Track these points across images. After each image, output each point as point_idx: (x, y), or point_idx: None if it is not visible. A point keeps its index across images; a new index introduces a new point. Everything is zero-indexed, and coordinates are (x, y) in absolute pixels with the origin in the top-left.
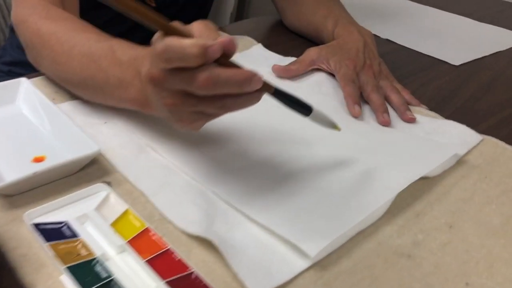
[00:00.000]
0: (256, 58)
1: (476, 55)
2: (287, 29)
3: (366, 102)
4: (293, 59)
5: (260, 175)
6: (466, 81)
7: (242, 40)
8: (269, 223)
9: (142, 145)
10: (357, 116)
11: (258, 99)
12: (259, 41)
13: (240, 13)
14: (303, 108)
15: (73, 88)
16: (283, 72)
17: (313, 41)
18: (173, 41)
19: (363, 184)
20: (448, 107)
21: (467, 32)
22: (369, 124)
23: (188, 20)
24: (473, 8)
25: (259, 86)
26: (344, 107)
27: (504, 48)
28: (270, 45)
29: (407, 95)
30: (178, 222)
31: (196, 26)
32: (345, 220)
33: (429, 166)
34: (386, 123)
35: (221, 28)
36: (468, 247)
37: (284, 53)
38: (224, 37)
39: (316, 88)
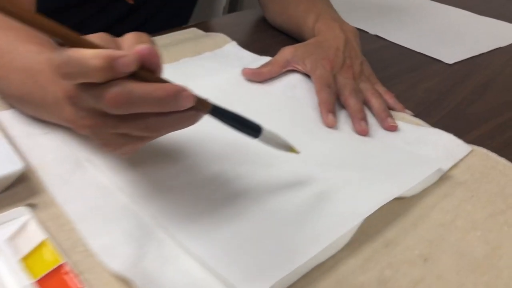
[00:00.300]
0: (227, 58)
1: (472, 52)
2: (271, 25)
3: (344, 107)
4: (268, 58)
5: (207, 198)
6: (459, 82)
7: (216, 38)
8: (207, 256)
9: (81, 160)
10: (331, 126)
11: (193, 119)
12: (238, 37)
13: (233, 7)
14: (250, 129)
15: (14, 103)
16: (253, 76)
17: (295, 38)
18: (73, 53)
19: (324, 208)
20: (437, 111)
21: (464, 27)
22: (344, 133)
23: (168, 18)
24: (474, 2)
25: (189, 103)
26: (318, 116)
27: (504, 44)
28: (249, 42)
29: (390, 99)
30: (102, 256)
31: (127, 38)
32: (298, 254)
33: (406, 184)
34: (363, 132)
35: (200, 24)
36: (444, 285)
37: (264, 51)
38: (144, 47)
39: (289, 92)
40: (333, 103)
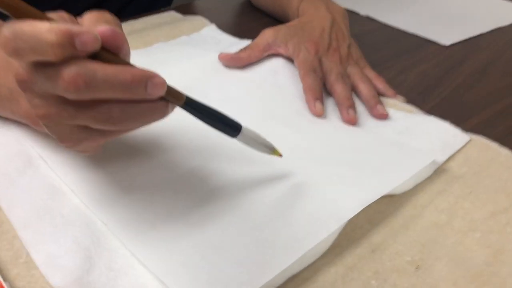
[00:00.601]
0: (204, 42)
1: (470, 32)
2: (255, 7)
3: (330, 94)
4: (249, 42)
5: (170, 201)
6: (456, 65)
7: (194, 21)
8: (162, 273)
9: (34, 157)
10: (318, 115)
11: (163, 112)
12: (220, 20)
13: None
14: (228, 127)
15: None
16: (231, 61)
17: (280, 20)
18: (25, 26)
19: (302, 209)
20: (432, 97)
21: (462, 6)
22: (330, 123)
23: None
24: None
25: (159, 92)
26: (303, 102)
27: (505, 24)
28: (231, 25)
29: (380, 84)
30: (44, 268)
31: (87, 18)
32: (270, 264)
33: (396, 180)
34: (351, 121)
35: (180, 6)
36: None
37: (246, 34)
38: (106, 27)
39: (270, 79)
40: (319, 89)
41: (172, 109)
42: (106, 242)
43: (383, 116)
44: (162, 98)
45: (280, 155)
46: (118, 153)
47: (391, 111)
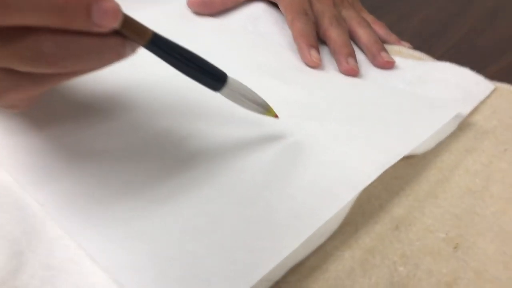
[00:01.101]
0: None
1: None
2: None
3: (324, 42)
4: None
5: (131, 173)
6: (462, 9)
7: None
8: (119, 268)
9: None
10: (315, 66)
11: (117, 52)
12: None
13: None
14: (209, 76)
15: None
16: (202, 7)
17: None
18: None
19: (303, 180)
20: (439, 45)
21: None
22: (328, 74)
23: None
24: None
25: (110, 22)
26: (293, 52)
27: None
28: None
29: (381, 30)
30: None
31: None
32: (267, 251)
33: (416, 138)
34: (352, 72)
35: None
36: (490, 286)
37: None
38: None
39: (250, 26)
40: (313, 35)
41: (133, 49)
42: (43, 231)
43: (389, 65)
44: (117, 33)
45: (276, 116)
46: (61, 110)
47: (397, 59)
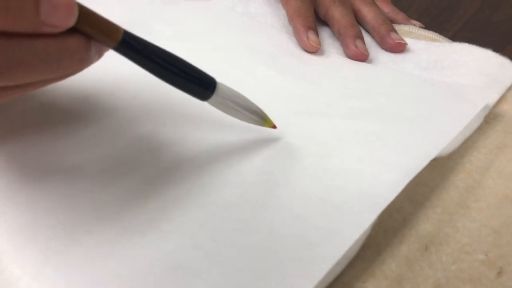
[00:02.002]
0: None
1: None
2: None
3: (325, 23)
4: None
5: (103, 193)
6: None
7: None
8: None
9: None
10: (313, 50)
11: (80, 58)
12: None
13: None
14: (194, 84)
15: None
16: None
17: None
18: None
19: (310, 201)
20: (451, 23)
21: None
22: (329, 60)
23: None
24: None
25: (64, 20)
26: (289, 35)
27: None
28: None
29: (387, 7)
30: None
31: None
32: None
33: (442, 138)
34: (361, 56)
35: None
36: None
37: None
38: None
39: (239, 7)
40: (311, 16)
41: (99, 53)
42: None
43: (400, 47)
44: (78, 33)
45: (274, 127)
46: (18, 118)
47: (408, 41)
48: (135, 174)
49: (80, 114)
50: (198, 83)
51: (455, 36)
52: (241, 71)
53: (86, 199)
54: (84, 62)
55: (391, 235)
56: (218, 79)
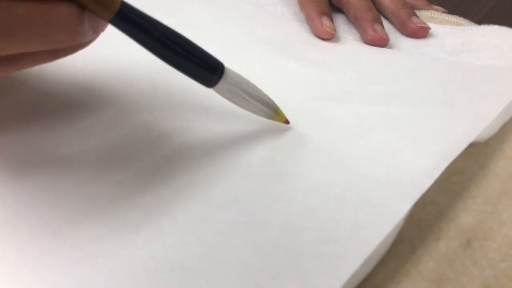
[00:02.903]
0: None
1: None
2: None
3: (340, 11)
4: None
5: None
6: None
7: None
8: None
9: None
10: (328, 37)
11: (71, 28)
12: None
13: None
14: (199, 66)
15: None
16: None
17: None
18: None
19: (334, 191)
20: (475, 9)
21: None
22: (345, 46)
23: None
24: None
25: None
26: (301, 23)
27: None
28: None
29: None
30: None
31: None
32: None
33: (479, 121)
34: (380, 41)
35: None
36: None
37: None
38: None
39: None
40: (324, 1)
41: (94, 30)
42: None
43: (423, 32)
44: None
45: (287, 122)
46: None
47: (432, 26)
48: (130, 166)
49: (74, 104)
50: (204, 66)
51: (480, 23)
52: (250, 59)
53: (74, 194)
54: (76, 35)
55: (426, 230)
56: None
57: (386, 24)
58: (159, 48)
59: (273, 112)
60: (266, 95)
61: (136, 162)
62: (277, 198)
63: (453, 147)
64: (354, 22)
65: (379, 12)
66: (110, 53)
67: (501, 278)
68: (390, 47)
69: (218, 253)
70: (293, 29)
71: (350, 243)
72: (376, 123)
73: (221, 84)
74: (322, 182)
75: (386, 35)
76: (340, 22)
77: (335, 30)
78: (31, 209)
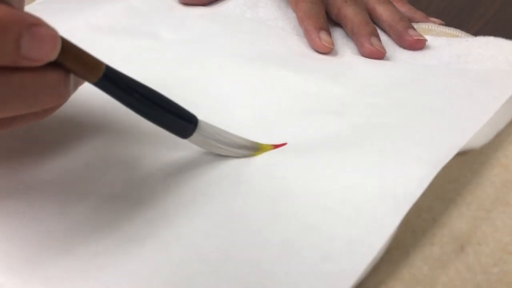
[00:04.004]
0: None
1: None
2: None
3: (338, 25)
4: None
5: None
6: None
7: None
8: None
9: None
10: (326, 50)
11: (57, 92)
12: None
13: None
14: (176, 120)
15: None
16: None
17: None
18: None
19: (328, 204)
20: (471, 22)
21: None
22: (344, 59)
23: None
24: None
25: (47, 54)
26: (299, 39)
27: None
28: None
29: (403, 7)
30: None
31: None
32: None
33: (469, 127)
34: (377, 54)
35: None
36: None
37: None
38: None
39: (248, 13)
40: (322, 16)
41: (75, 86)
42: None
43: (420, 44)
44: (56, 65)
45: (278, 146)
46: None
47: (429, 38)
48: (134, 179)
49: (79, 120)
50: (180, 121)
51: (477, 35)
52: (250, 72)
53: (80, 206)
54: (63, 97)
55: (421, 236)
56: (228, 81)
57: (383, 36)
58: (139, 107)
59: (253, 150)
60: (242, 139)
61: (141, 175)
62: (277, 215)
63: (445, 153)
64: (352, 36)
65: (377, 25)
66: None
67: (493, 282)
68: (388, 59)
69: (219, 271)
70: (293, 43)
71: (345, 261)
72: (370, 135)
73: (195, 135)
74: (318, 196)
75: (383, 48)
76: (339, 36)
77: (333, 44)
78: (40, 222)
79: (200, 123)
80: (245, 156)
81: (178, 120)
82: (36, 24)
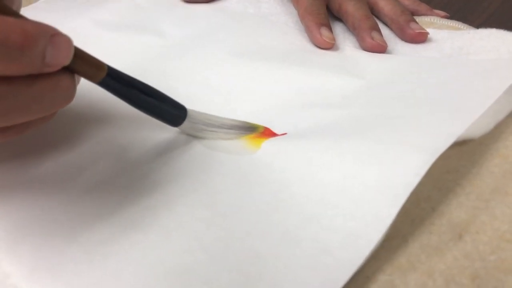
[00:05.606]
0: None
1: None
2: None
3: (339, 20)
4: None
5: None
6: None
7: None
8: None
9: None
10: (327, 46)
11: (69, 93)
12: None
13: None
14: (167, 111)
15: None
16: None
17: None
18: None
19: (326, 196)
20: (475, 15)
21: None
22: (345, 53)
23: None
24: None
25: (63, 59)
26: (302, 34)
27: None
28: None
29: (407, 0)
30: None
31: None
32: None
33: (468, 116)
34: (378, 48)
35: None
36: None
37: None
38: None
39: (251, 8)
40: (323, 12)
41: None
42: None
43: (421, 37)
44: (66, 70)
45: (274, 134)
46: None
47: (431, 31)
48: (138, 169)
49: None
50: (172, 111)
51: (480, 28)
52: (254, 66)
53: (86, 196)
54: (72, 98)
55: (419, 224)
56: (230, 74)
57: (385, 30)
58: (137, 101)
59: (244, 130)
60: (230, 120)
61: (144, 165)
62: (276, 207)
63: (442, 142)
64: (353, 31)
65: (379, 19)
66: None
67: (491, 269)
68: (389, 53)
69: (220, 261)
70: (295, 38)
71: (343, 253)
72: (370, 126)
73: (186, 123)
74: (317, 188)
75: (384, 41)
76: (340, 31)
77: (334, 39)
78: (45, 211)
79: (189, 111)
80: (237, 137)
81: (170, 110)
82: (55, 33)
